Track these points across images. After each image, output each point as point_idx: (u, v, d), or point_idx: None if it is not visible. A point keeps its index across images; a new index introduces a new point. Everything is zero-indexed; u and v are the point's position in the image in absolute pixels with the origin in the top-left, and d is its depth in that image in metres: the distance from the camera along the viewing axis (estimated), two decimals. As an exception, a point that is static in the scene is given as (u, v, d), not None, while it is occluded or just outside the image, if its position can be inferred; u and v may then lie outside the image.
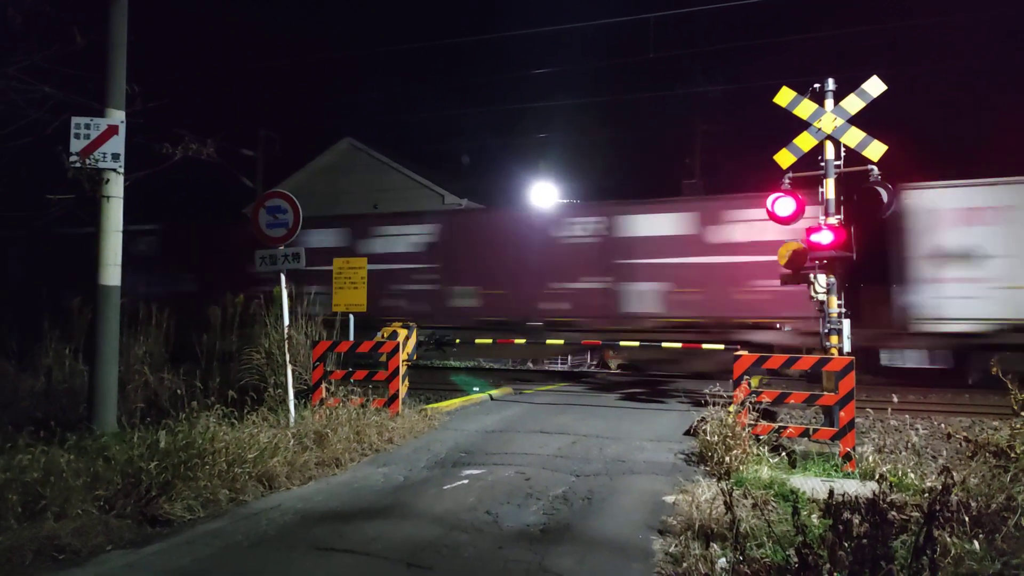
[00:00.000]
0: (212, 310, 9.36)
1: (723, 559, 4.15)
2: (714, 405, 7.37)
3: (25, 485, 4.86)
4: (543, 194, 25.43)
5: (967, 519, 4.01)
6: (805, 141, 8.18)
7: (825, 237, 7.78)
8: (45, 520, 4.67)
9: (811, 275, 8.10)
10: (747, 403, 7.14)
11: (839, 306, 7.94)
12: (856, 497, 4.12)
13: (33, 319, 8.51)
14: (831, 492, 3.96)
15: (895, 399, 8.36)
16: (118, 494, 5.14)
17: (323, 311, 9.92)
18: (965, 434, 6.41)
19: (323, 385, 8.79)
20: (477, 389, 10.68)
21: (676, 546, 4.54)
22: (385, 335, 10.34)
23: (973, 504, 4.29)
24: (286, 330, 8.30)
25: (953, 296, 13.65)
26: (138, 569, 4.35)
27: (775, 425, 7.50)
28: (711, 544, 4.37)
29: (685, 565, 4.16)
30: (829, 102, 8.13)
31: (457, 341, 16.39)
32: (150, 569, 4.36)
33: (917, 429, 7.76)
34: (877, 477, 5.94)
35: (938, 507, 3.66)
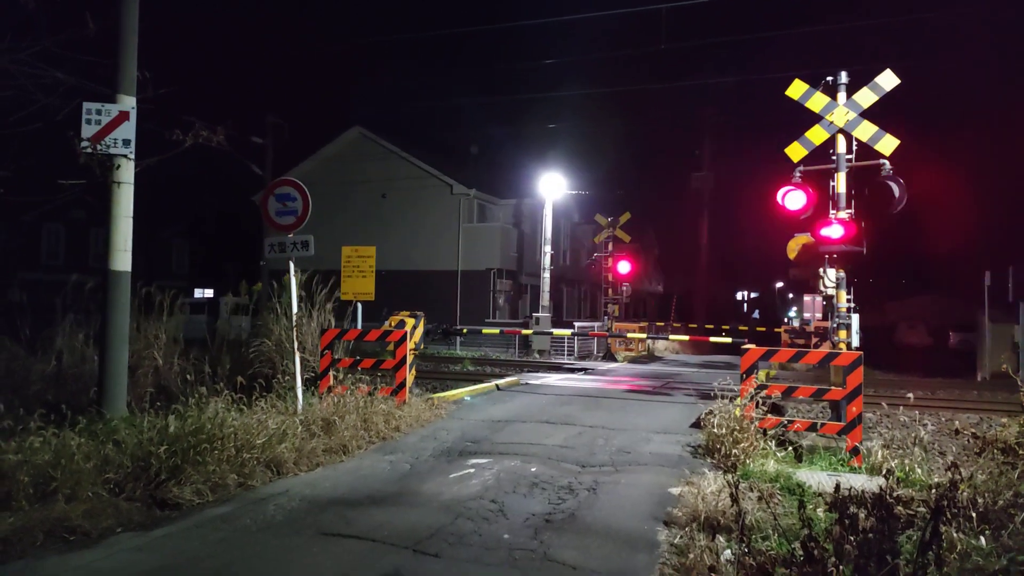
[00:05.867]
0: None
1: (728, 551, 4.16)
2: (721, 398, 7.36)
3: (36, 467, 4.91)
4: (552, 184, 25.31)
5: (974, 515, 3.99)
6: (817, 134, 8.13)
7: (835, 231, 7.74)
8: (56, 502, 4.72)
9: (820, 269, 8.07)
10: (754, 396, 7.13)
11: (848, 300, 7.91)
12: (863, 491, 4.11)
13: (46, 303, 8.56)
14: (837, 486, 3.95)
15: (911, 397, 8.35)
16: (128, 477, 5.18)
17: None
18: (973, 430, 6.41)
19: (331, 373, 8.82)
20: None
21: (681, 537, 4.56)
22: (393, 324, 10.37)
23: (980, 500, 4.27)
24: (295, 317, 8.33)
25: None
26: (147, 552, 4.39)
27: (782, 419, 7.50)
28: (716, 536, 4.38)
29: (690, 556, 4.16)
30: (842, 95, 8.08)
31: (464, 331, 16.47)
32: (159, 552, 4.40)
33: (926, 425, 7.74)
34: (884, 472, 5.94)
35: (945, 502, 3.66)
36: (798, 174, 8.30)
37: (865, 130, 7.86)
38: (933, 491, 4.95)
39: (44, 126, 7.08)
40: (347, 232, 23.83)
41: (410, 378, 9.42)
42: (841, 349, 7.63)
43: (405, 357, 9.10)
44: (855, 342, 7.81)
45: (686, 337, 14.72)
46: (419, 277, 28.12)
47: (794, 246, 8.36)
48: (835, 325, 7.85)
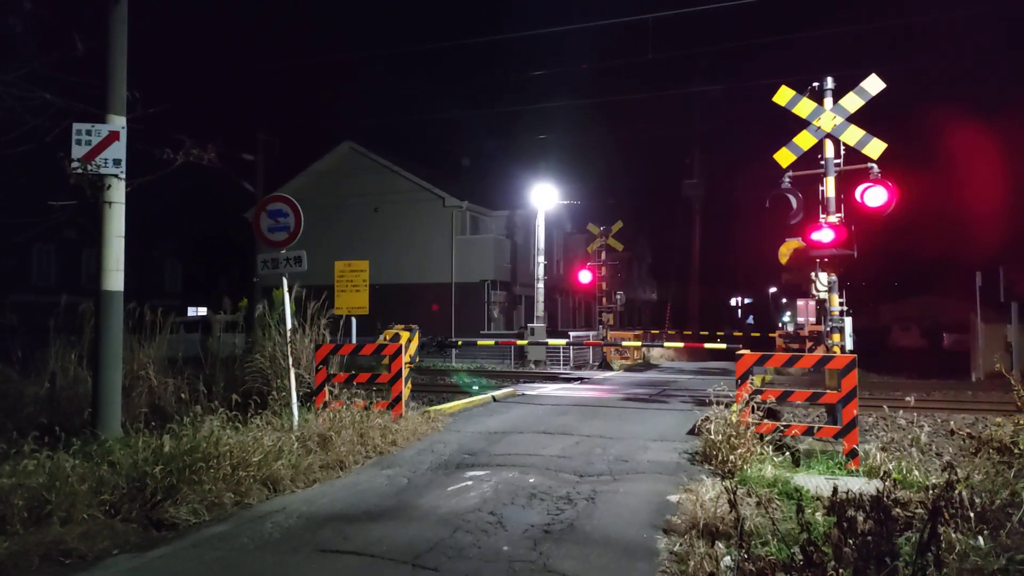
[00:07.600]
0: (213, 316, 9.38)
1: (728, 557, 4.15)
2: (717, 404, 7.37)
3: (31, 490, 4.87)
4: (544, 195, 25.35)
5: (971, 515, 4.00)
6: (805, 140, 8.19)
7: (826, 235, 7.79)
8: (51, 525, 4.68)
9: (812, 273, 8.11)
10: (750, 402, 7.14)
11: (841, 304, 7.94)
12: (860, 494, 4.11)
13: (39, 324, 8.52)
14: (835, 489, 3.95)
15: (910, 400, 8.39)
16: (123, 498, 5.15)
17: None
18: (968, 431, 6.41)
19: (326, 388, 8.79)
20: (477, 388, 10.64)
21: (681, 545, 4.55)
22: (388, 337, 10.36)
23: (977, 500, 4.28)
24: (289, 333, 8.31)
25: None
26: (144, 573, 4.35)
27: (779, 424, 7.51)
28: (716, 542, 4.37)
29: (690, 564, 4.16)
30: (828, 100, 8.14)
31: (459, 343, 16.46)
32: (156, 573, 4.36)
33: (922, 426, 7.76)
34: (882, 474, 5.93)
35: (942, 503, 3.66)
36: (787, 179, 8.35)
37: (852, 134, 7.93)
38: (930, 492, 4.96)
39: (34, 147, 7.06)
40: (340, 246, 23.82)
41: (406, 391, 9.39)
42: (835, 352, 7.66)
43: (401, 371, 9.08)
44: (849, 345, 7.83)
45: (681, 344, 14.79)
46: (413, 290, 28.10)
47: (785, 251, 8.41)
48: (828, 329, 7.88)
